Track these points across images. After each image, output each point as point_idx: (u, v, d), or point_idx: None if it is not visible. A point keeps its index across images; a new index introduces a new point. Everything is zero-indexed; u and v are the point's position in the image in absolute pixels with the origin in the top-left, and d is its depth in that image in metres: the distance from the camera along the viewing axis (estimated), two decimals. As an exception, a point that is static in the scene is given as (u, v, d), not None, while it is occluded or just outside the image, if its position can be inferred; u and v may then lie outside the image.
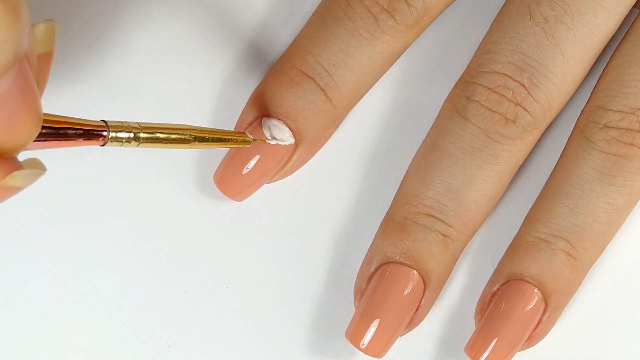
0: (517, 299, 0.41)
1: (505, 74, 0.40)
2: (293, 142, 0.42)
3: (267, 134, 0.42)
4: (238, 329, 0.44)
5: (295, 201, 0.44)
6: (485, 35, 0.42)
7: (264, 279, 0.44)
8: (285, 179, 0.44)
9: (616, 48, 0.42)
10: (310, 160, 0.44)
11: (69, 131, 0.34)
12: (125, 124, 0.37)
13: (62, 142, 0.34)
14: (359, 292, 0.42)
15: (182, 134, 0.38)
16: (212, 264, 0.44)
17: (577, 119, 0.42)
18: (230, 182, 0.42)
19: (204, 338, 0.43)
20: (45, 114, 0.33)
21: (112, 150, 0.44)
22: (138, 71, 0.45)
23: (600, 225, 0.41)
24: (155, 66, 0.45)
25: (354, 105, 0.43)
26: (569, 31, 0.40)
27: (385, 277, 0.41)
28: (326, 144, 0.44)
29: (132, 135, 0.37)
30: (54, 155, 0.44)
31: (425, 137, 0.42)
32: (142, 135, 0.37)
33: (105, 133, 0.36)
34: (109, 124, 0.36)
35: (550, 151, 0.44)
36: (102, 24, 0.45)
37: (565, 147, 0.42)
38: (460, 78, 0.42)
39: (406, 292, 0.41)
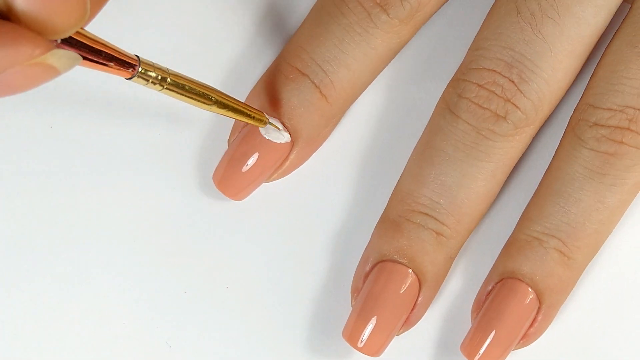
0: (510, 297, 0.41)
1: (494, 70, 0.40)
2: (289, 140, 0.42)
3: (263, 132, 0.42)
4: (237, 327, 0.44)
5: (293, 201, 0.44)
6: (477, 32, 0.42)
7: (262, 279, 0.44)
8: (283, 178, 0.44)
9: (607, 46, 0.42)
10: (307, 160, 0.44)
11: (104, 53, 0.35)
12: (156, 65, 0.38)
13: (95, 61, 0.35)
14: (356, 291, 0.43)
15: (207, 92, 0.39)
16: (212, 263, 0.44)
17: (570, 118, 0.42)
18: (229, 182, 0.43)
19: (204, 338, 0.44)
20: (86, 31, 0.34)
21: (111, 149, 0.45)
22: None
23: (592, 223, 0.41)
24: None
25: (350, 104, 0.43)
26: (555, 26, 0.40)
27: (381, 276, 0.42)
28: (323, 144, 0.44)
29: (159, 77, 0.38)
30: (53, 154, 0.45)
31: (421, 136, 0.43)
32: (169, 80, 0.38)
33: (135, 66, 0.37)
34: (141, 59, 0.37)
35: (549, 149, 0.44)
36: (102, 22, 0.45)
37: (558, 145, 0.42)
38: (453, 76, 0.42)
39: (401, 291, 0.41)
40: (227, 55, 0.45)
